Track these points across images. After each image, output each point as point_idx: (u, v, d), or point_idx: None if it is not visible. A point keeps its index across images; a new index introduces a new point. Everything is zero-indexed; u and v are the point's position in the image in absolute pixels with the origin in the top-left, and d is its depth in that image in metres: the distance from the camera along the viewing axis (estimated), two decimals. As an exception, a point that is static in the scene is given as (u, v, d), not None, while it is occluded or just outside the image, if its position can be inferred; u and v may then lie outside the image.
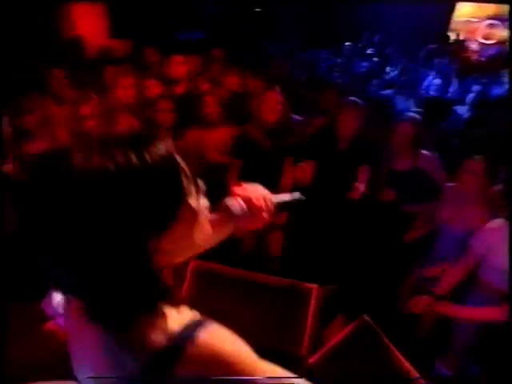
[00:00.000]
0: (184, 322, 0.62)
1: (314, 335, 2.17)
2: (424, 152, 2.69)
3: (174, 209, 0.60)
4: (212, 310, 2.46)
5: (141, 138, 0.60)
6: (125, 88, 2.91)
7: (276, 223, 2.54)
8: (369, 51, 5.30)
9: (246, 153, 2.47)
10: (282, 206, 0.90)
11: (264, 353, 2.20)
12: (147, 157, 0.57)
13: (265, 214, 0.84)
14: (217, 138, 2.66)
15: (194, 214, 0.65)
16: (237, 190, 0.85)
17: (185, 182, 0.63)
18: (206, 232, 0.68)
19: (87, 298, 0.59)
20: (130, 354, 0.58)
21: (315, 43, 5.83)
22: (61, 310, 1.96)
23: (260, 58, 4.19)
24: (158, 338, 0.59)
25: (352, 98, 2.75)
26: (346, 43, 5.51)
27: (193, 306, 2.23)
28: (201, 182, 0.68)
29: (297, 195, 0.95)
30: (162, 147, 0.61)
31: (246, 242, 2.67)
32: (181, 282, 2.31)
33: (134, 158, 0.56)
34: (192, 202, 0.64)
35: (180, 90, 3.15)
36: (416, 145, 2.66)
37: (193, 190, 0.65)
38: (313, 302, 2.23)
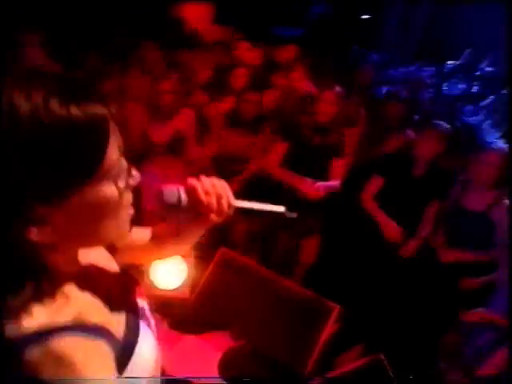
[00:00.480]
0: (45, 322, 0.48)
1: (323, 357, 2.03)
2: (505, 201, 2.29)
3: (77, 178, 0.48)
4: (227, 300, 2.42)
5: (80, 86, 0.49)
6: (204, 70, 3.01)
7: (314, 228, 2.44)
8: (467, 72, 4.80)
9: (293, 143, 2.42)
10: (248, 212, 0.73)
11: (265, 361, 2.10)
12: (73, 109, 0.46)
13: (213, 215, 0.67)
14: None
15: (106, 198, 0.52)
16: (189, 179, 0.67)
17: (111, 159, 0.51)
18: (121, 230, 0.57)
19: None
20: None
21: (419, 58, 5.46)
22: None
23: (349, 63, 4.03)
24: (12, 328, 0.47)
25: (436, 121, 2.52)
26: (449, 62, 5.06)
27: (211, 291, 2.20)
28: (136, 174, 0.57)
29: (281, 209, 0.76)
30: (99, 108, 0.49)
31: (281, 241, 2.60)
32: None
33: (55, 105, 0.46)
34: (107, 184, 0.51)
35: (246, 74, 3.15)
36: (498, 185, 2.32)
37: (120, 172, 0.53)
38: (330, 323, 2.08)
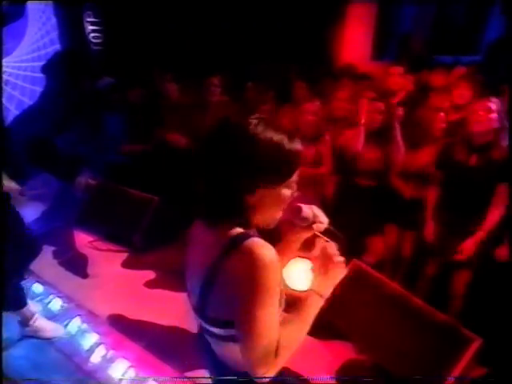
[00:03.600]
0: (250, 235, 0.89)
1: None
2: None
3: (277, 181, 0.90)
4: (355, 312, 2.40)
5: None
6: (339, 101, 3.10)
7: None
8: None
9: (447, 168, 2.25)
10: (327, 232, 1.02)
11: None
12: (294, 145, 0.89)
13: (316, 225, 1.01)
14: (425, 157, 2.51)
15: (275, 196, 0.91)
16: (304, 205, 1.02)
17: (295, 177, 0.92)
18: (275, 215, 0.95)
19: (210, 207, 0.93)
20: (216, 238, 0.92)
21: None
22: None
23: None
24: (232, 232, 0.90)
25: None
26: None
27: (340, 300, 2.24)
28: (297, 190, 0.95)
29: (340, 235, 1.02)
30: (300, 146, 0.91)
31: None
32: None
33: (284, 140, 0.88)
34: (281, 190, 0.91)
35: (394, 101, 3.10)
36: None
37: (294, 186, 0.94)
38: (467, 356, 1.88)
